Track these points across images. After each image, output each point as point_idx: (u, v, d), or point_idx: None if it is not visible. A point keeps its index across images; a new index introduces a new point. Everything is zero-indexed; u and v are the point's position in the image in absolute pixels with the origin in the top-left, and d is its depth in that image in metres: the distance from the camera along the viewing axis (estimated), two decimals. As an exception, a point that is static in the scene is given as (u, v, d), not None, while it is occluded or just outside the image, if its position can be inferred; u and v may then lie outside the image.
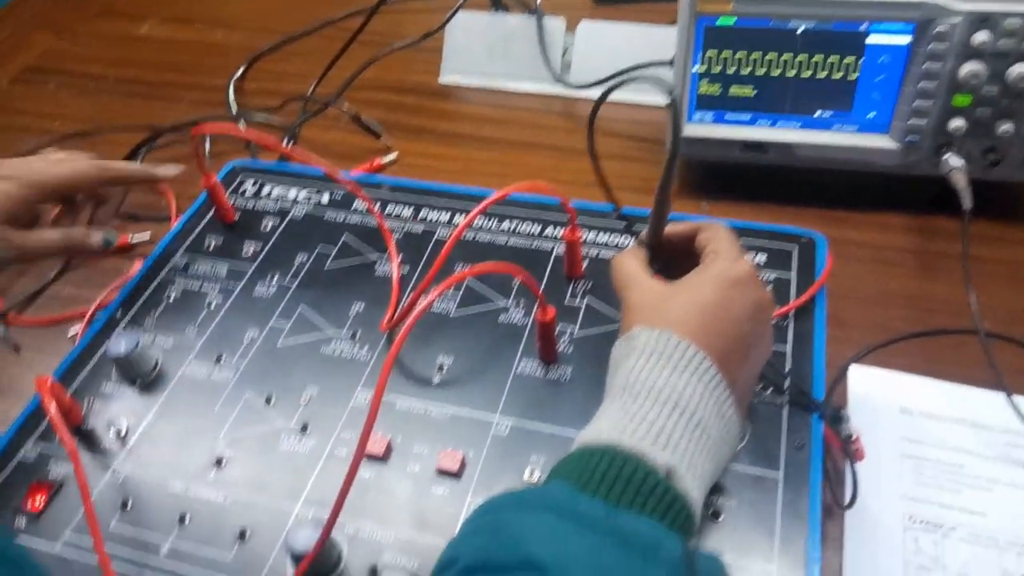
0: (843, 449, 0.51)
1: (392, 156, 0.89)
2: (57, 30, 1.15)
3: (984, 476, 0.60)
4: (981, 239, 0.71)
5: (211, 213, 0.67)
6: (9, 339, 0.71)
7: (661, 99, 0.90)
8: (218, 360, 0.56)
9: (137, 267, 0.74)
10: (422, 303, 0.45)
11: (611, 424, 0.40)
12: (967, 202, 0.70)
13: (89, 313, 0.71)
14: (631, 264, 0.49)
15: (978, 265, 0.67)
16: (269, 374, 0.55)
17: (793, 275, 0.58)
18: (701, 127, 0.79)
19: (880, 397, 0.65)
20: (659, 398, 0.41)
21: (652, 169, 0.85)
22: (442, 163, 0.89)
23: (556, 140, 0.91)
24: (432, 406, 0.52)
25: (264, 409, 0.53)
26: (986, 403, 0.63)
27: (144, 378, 0.56)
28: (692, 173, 0.84)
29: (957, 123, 0.73)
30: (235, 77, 1.02)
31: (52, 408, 0.48)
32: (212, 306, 0.60)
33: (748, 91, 0.77)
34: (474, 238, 0.64)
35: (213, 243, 0.65)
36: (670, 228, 0.51)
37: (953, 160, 0.73)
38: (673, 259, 0.52)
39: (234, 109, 0.96)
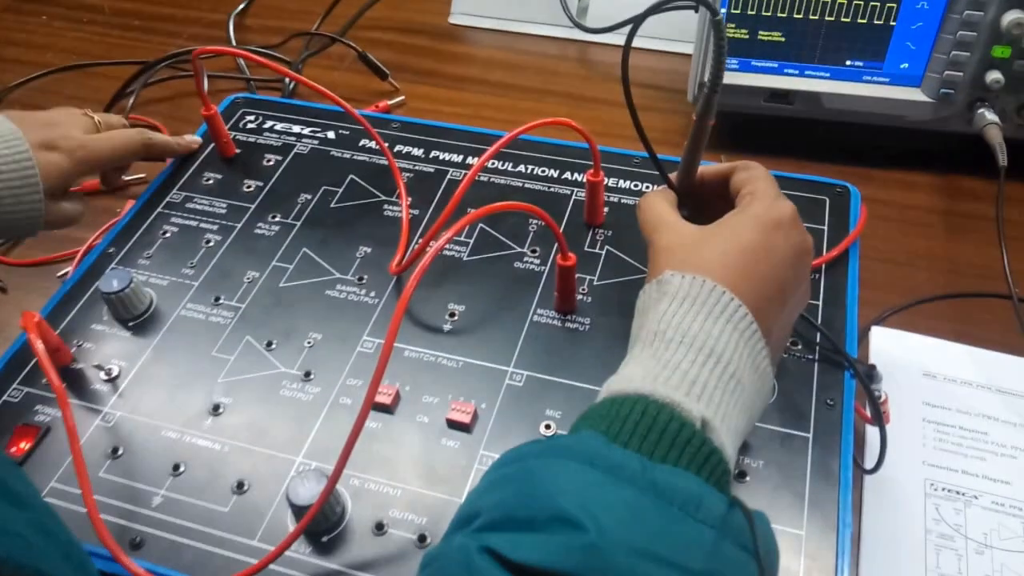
0: (871, 404, 0.47)
1: (399, 99, 0.85)
2: (50, -42, 1.09)
3: (1009, 444, 0.57)
4: (1013, 201, 0.67)
5: (210, 147, 0.63)
6: (-3, 278, 0.67)
7: (684, 47, 0.85)
8: (216, 301, 0.53)
9: (130, 207, 0.70)
10: (434, 246, 0.41)
11: (643, 372, 0.36)
12: (1002, 159, 0.66)
13: (80, 253, 0.67)
14: (660, 205, 0.45)
15: (1009, 228, 0.63)
16: (270, 317, 0.51)
17: (825, 227, 0.54)
18: (727, 74, 0.74)
19: (902, 360, 0.62)
20: (693, 344, 0.37)
21: (670, 119, 0.80)
22: (451, 107, 0.84)
23: (570, 87, 0.86)
24: (442, 355, 0.49)
25: (265, 353, 0.50)
26: (1014, 369, 0.60)
27: (137, 318, 0.52)
28: (714, 129, 0.80)
29: (994, 76, 0.68)
30: (236, 12, 0.96)
31: (39, 346, 0.44)
32: (210, 244, 0.56)
33: (777, 37, 0.72)
34: (488, 180, 0.59)
35: (212, 179, 0.61)
36: (702, 169, 0.47)
37: (988, 115, 0.69)
38: (704, 203, 0.48)
39: (234, 45, 0.91)
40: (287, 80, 0.83)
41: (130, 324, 0.52)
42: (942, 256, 0.68)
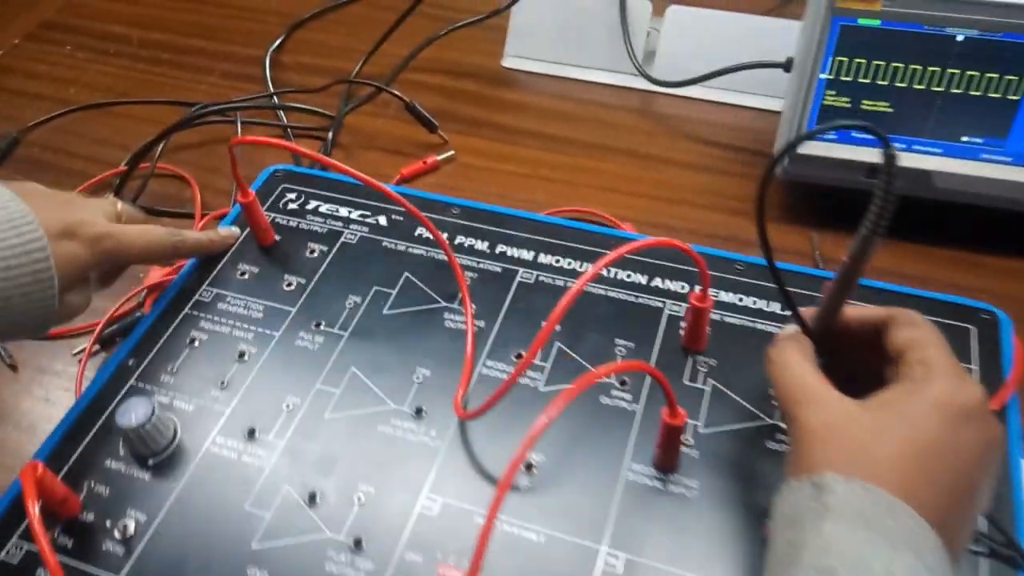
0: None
1: (449, 153, 0.75)
2: (77, -19, 0.99)
3: None
4: None
5: (244, 232, 0.53)
6: (5, 356, 0.58)
7: (769, 104, 0.75)
8: (251, 435, 0.43)
9: (154, 276, 0.61)
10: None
11: None
12: None
13: (98, 330, 0.58)
14: (800, 365, 0.35)
15: None
16: (313, 458, 0.42)
17: (975, 366, 0.44)
18: (823, 145, 0.64)
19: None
20: None
21: (750, 186, 0.70)
22: (504, 164, 0.74)
23: (634, 143, 0.76)
24: (522, 523, 0.39)
25: (307, 511, 0.40)
26: None
27: (158, 453, 0.43)
28: (797, 195, 0.69)
29: None
30: (272, 48, 0.87)
31: (34, 512, 0.35)
32: (245, 358, 0.47)
33: (883, 106, 0.62)
34: (564, 284, 0.50)
35: (248, 272, 0.51)
36: (846, 312, 0.37)
37: None
38: (842, 352, 0.38)
39: (271, 87, 0.81)
40: (328, 138, 0.73)
41: (150, 462, 0.42)
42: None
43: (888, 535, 0.29)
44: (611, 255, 0.36)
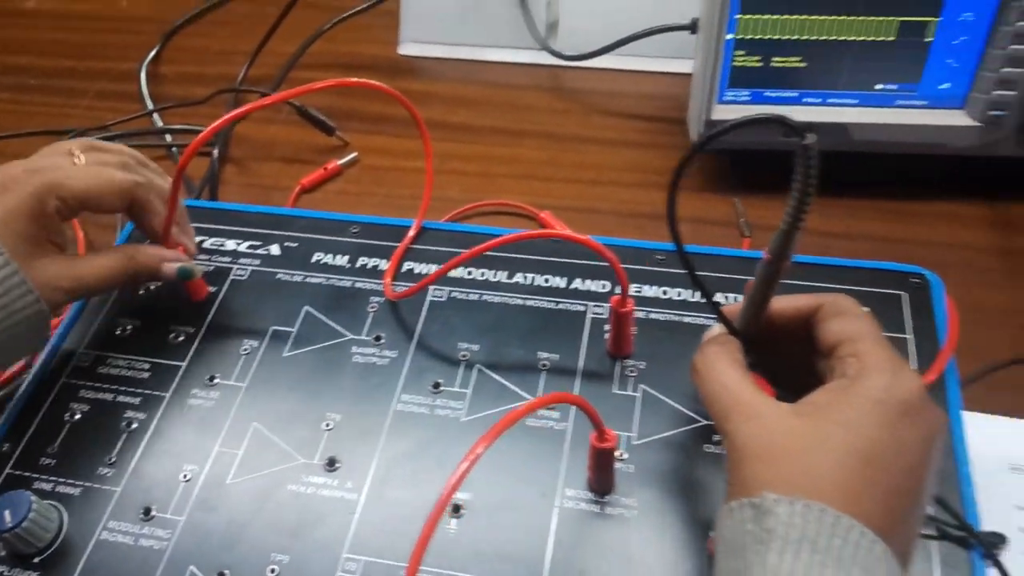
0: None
1: (351, 156, 0.71)
2: (-80, 8, 0.91)
3: None
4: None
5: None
6: None
7: (679, 68, 0.72)
8: (147, 514, 0.39)
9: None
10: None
11: None
12: (1078, 196, 0.55)
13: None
14: (728, 374, 0.33)
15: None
16: (220, 533, 0.38)
17: (910, 334, 0.43)
18: (736, 108, 0.62)
19: (983, 452, 0.51)
20: None
21: (671, 157, 0.68)
22: (412, 162, 0.70)
23: (548, 125, 0.73)
24: (451, 573, 0.36)
25: (216, 593, 0.37)
26: (1119, 454, 0.50)
27: (42, 551, 0.38)
28: (719, 164, 0.67)
29: (1055, 93, 0.57)
30: (147, 60, 0.80)
31: None
32: (133, 427, 0.42)
33: (795, 62, 0.60)
34: (480, 298, 0.46)
35: (129, 327, 0.46)
36: (781, 306, 0.35)
37: (1050, 139, 0.58)
38: (772, 344, 0.36)
39: (149, 104, 0.75)
40: (213, 156, 0.68)
41: (35, 560, 0.38)
42: (1008, 307, 0.57)
43: (835, 555, 0.27)
44: (471, 250, 0.33)
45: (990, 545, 0.36)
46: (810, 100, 0.61)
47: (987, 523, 0.43)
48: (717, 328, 0.36)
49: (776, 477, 0.29)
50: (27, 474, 0.41)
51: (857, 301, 0.33)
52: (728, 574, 0.29)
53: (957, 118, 0.60)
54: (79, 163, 0.42)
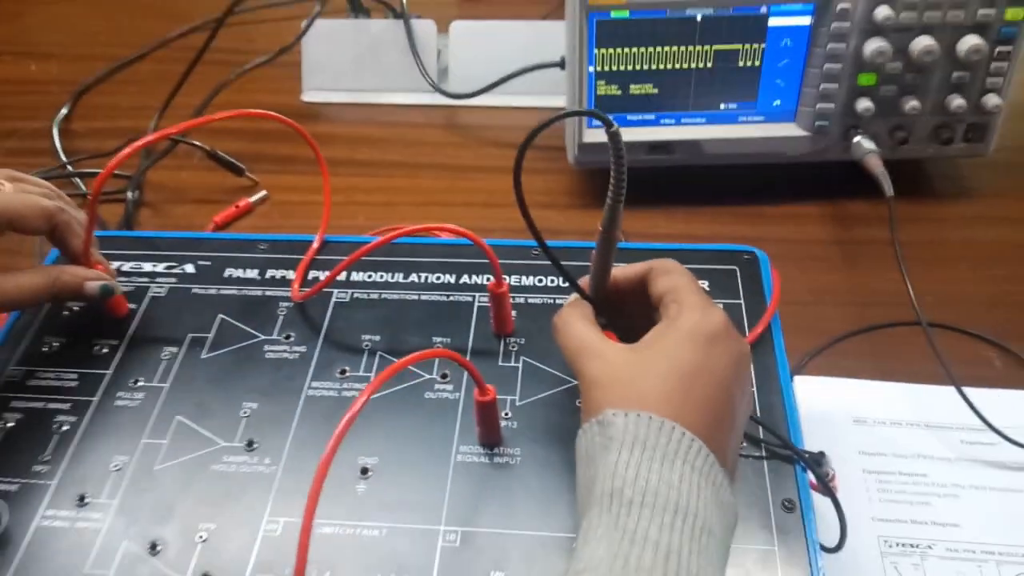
0: (827, 493, 0.45)
1: (261, 194, 0.77)
2: None
3: (949, 482, 0.56)
4: (902, 221, 0.67)
5: (47, 307, 0.53)
6: None
7: (554, 103, 0.82)
8: (81, 501, 0.44)
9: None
10: (342, 420, 0.35)
11: (609, 551, 0.32)
12: (888, 188, 0.66)
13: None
14: (579, 326, 0.41)
15: (905, 250, 0.63)
16: (150, 510, 0.43)
17: (742, 300, 0.52)
18: (602, 131, 0.71)
19: (831, 409, 0.60)
20: (656, 503, 0.33)
21: (555, 180, 0.77)
22: (319, 196, 0.76)
23: (443, 157, 0.81)
24: (363, 524, 0.42)
25: (151, 560, 0.41)
26: (937, 399, 0.59)
27: (-16, 543, 0.42)
28: (595, 182, 0.76)
29: (864, 104, 0.68)
30: (59, 118, 0.85)
31: None
32: (64, 428, 0.47)
33: (649, 89, 0.70)
34: (380, 297, 0.53)
35: (55, 344, 0.51)
36: (614, 273, 0.43)
37: (865, 143, 0.69)
38: (622, 309, 0.44)
39: (63, 157, 0.80)
40: (128, 197, 0.74)
41: (-22, 552, 0.42)
42: (847, 289, 0.68)
43: (661, 451, 0.34)
44: (364, 248, 0.40)
45: (813, 461, 0.44)
46: (666, 121, 0.71)
47: (836, 468, 0.52)
48: (573, 296, 0.44)
49: (615, 398, 0.36)
50: (-35, 480, 0.45)
51: (677, 262, 0.42)
52: (584, 480, 0.36)
53: (790, 130, 0.71)
54: (5, 189, 0.47)
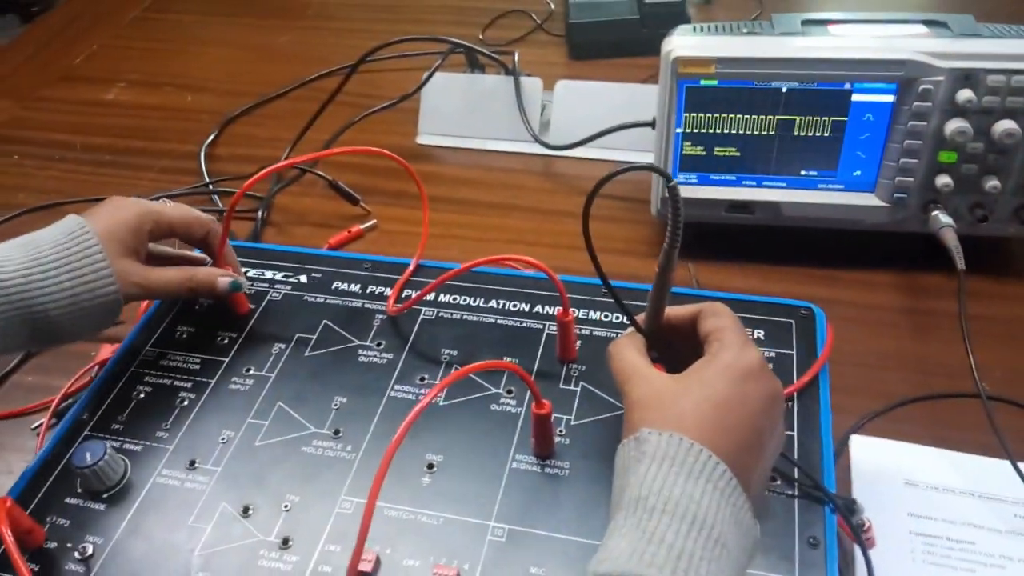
0: (855, 540, 0.47)
1: (371, 223, 0.86)
2: (19, 97, 1.10)
3: (997, 553, 0.57)
4: (973, 296, 0.68)
5: (181, 300, 0.63)
6: (-31, 435, 0.66)
7: (644, 159, 0.88)
8: (192, 465, 0.52)
9: (104, 352, 0.70)
10: (415, 408, 0.41)
11: (628, 547, 0.36)
12: (960, 262, 0.68)
13: (54, 405, 0.66)
14: (630, 354, 0.46)
15: (972, 323, 0.65)
16: (247, 479, 0.51)
17: (793, 351, 0.55)
18: (686, 188, 0.76)
19: (884, 469, 0.62)
20: (676, 512, 0.37)
21: (636, 229, 0.82)
22: (421, 228, 0.85)
23: (536, 201, 0.88)
24: (423, 511, 0.48)
25: (242, 520, 0.49)
26: (992, 472, 0.60)
27: (111, 489, 0.51)
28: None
29: (944, 180, 0.70)
30: (206, 143, 0.98)
31: (9, 539, 0.43)
32: (184, 403, 0.55)
33: (732, 152, 0.74)
34: (461, 318, 0.60)
35: (185, 332, 0.60)
36: (669, 312, 0.48)
37: (942, 217, 0.71)
38: (673, 344, 0.48)
39: (206, 177, 0.92)
40: (258, 216, 0.84)
41: (104, 496, 0.51)
42: (912, 356, 0.69)
43: (688, 468, 0.39)
44: (448, 273, 0.46)
45: (846, 507, 0.47)
46: (747, 182, 0.75)
47: (884, 527, 0.54)
48: (629, 329, 0.49)
49: (652, 418, 0.41)
50: (101, 435, 0.54)
51: (726, 306, 0.46)
52: (617, 489, 0.41)
53: (869, 200, 0.74)
54: (169, 204, 0.58)
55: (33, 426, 0.66)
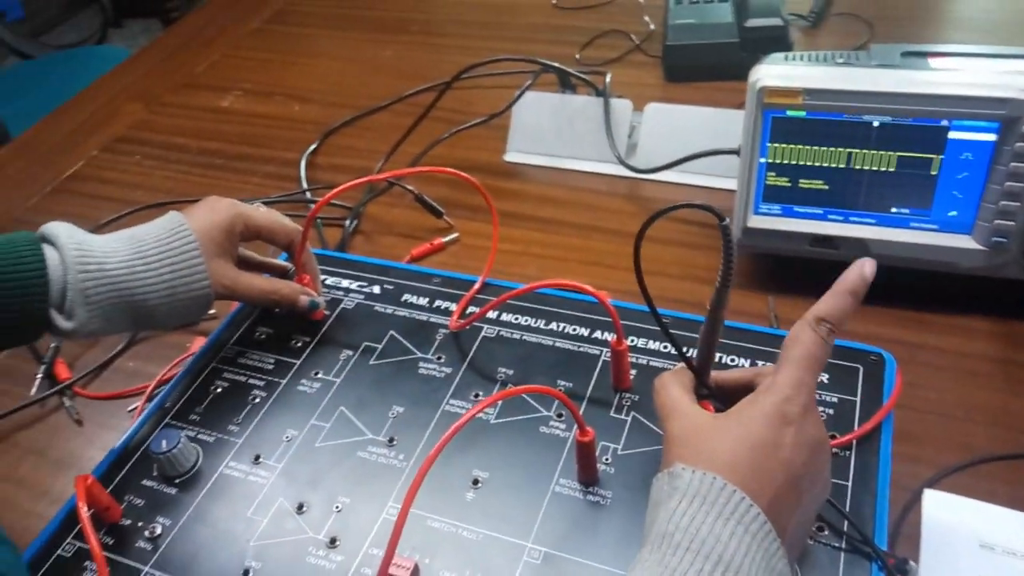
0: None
1: (453, 236, 0.88)
2: (147, 101, 1.20)
3: (1077, 629, 0.53)
4: (1075, 352, 0.65)
5: (262, 306, 0.67)
6: (73, 412, 0.72)
7: (730, 186, 0.87)
8: (256, 460, 0.55)
9: (198, 345, 0.75)
10: (456, 423, 0.43)
11: None
12: (1060, 314, 0.64)
13: (149, 390, 0.71)
14: (674, 389, 0.46)
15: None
16: (304, 478, 0.54)
17: (857, 398, 0.54)
18: (769, 220, 0.75)
19: (958, 529, 0.59)
20: (700, 551, 0.37)
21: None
22: (501, 244, 0.87)
23: (617, 224, 0.88)
24: (464, 525, 0.50)
25: (295, 517, 0.52)
26: (1080, 542, 0.56)
27: (183, 475, 0.55)
28: (758, 265, 0.80)
29: (1049, 225, 0.67)
30: (308, 151, 1.03)
31: (84, 514, 0.48)
32: (256, 401, 0.59)
33: (819, 184, 0.73)
34: (520, 338, 0.61)
35: (264, 334, 0.65)
36: (728, 375, 0.48)
37: (1044, 265, 0.67)
38: (732, 398, 0.48)
39: (304, 184, 0.97)
40: (346, 225, 0.88)
41: (176, 481, 0.55)
42: (1001, 410, 0.66)
43: (718, 508, 0.39)
44: (510, 292, 0.48)
45: (897, 568, 0.45)
46: (834, 217, 0.74)
47: None
48: (680, 364, 0.49)
49: (687, 454, 0.41)
50: (179, 424, 0.58)
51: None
52: (648, 522, 0.42)
53: (965, 242, 0.71)
54: (261, 209, 0.62)
55: (129, 408, 0.72)
